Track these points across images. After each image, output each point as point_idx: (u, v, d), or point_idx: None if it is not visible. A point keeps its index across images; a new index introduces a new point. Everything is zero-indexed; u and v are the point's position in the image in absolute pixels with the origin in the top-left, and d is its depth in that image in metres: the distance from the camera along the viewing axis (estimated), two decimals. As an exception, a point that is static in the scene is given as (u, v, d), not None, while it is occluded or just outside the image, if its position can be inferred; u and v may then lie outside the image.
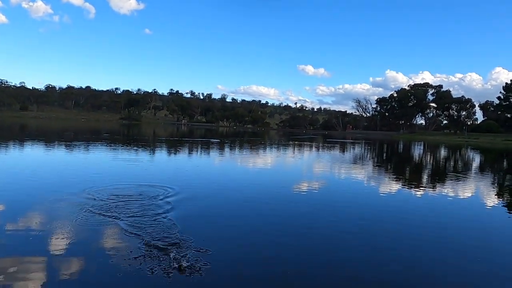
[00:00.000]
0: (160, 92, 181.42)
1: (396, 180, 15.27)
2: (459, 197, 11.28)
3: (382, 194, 11.24)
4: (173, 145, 29.48)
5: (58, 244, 5.28)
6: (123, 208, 7.28)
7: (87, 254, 4.95)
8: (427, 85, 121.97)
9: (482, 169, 22.99)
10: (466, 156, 34.95)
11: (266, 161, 20.76)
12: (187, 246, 5.26)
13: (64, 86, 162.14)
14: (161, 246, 5.24)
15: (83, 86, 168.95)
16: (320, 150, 34.49)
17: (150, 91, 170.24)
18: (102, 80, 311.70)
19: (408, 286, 4.68)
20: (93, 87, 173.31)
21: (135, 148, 24.53)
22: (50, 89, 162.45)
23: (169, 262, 4.66)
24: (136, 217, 6.66)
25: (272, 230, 6.67)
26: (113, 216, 6.72)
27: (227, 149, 28.56)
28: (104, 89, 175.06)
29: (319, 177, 14.73)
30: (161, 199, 8.24)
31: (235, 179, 13.20)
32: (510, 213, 9.81)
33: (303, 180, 13.70)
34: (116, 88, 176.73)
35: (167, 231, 5.95)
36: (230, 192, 10.22)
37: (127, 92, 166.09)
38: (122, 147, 24.59)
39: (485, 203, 10.73)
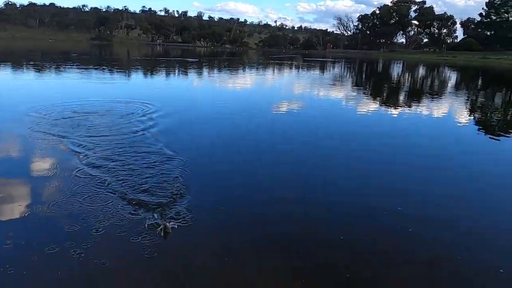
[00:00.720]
0: (131, 9, 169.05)
1: (372, 100, 15.46)
2: (430, 114, 11.66)
3: (359, 113, 11.38)
4: (149, 65, 28.32)
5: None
6: (85, 125, 7.11)
7: (22, 176, 4.60)
8: (410, 1, 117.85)
9: (453, 87, 23.50)
10: (443, 75, 35.30)
11: (244, 80, 20.39)
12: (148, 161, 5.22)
13: (26, 3, 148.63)
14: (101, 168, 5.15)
15: (47, 3, 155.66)
16: (298, 69, 33.94)
17: (120, 9, 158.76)
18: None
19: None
20: (57, 4, 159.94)
21: (106, 68, 23.46)
22: (9, 6, 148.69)
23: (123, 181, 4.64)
24: (95, 136, 6.47)
25: (249, 141, 6.78)
26: (70, 134, 6.41)
27: (205, 69, 27.72)
28: (70, 7, 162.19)
29: (295, 97, 14.74)
30: (124, 116, 8.06)
31: (214, 97, 13.00)
32: (479, 129, 10.24)
33: (281, 99, 13.67)
34: (84, 5, 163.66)
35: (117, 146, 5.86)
36: (209, 108, 10.12)
37: (95, 9, 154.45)
38: (92, 68, 23.47)
39: (450, 119, 11.12)
